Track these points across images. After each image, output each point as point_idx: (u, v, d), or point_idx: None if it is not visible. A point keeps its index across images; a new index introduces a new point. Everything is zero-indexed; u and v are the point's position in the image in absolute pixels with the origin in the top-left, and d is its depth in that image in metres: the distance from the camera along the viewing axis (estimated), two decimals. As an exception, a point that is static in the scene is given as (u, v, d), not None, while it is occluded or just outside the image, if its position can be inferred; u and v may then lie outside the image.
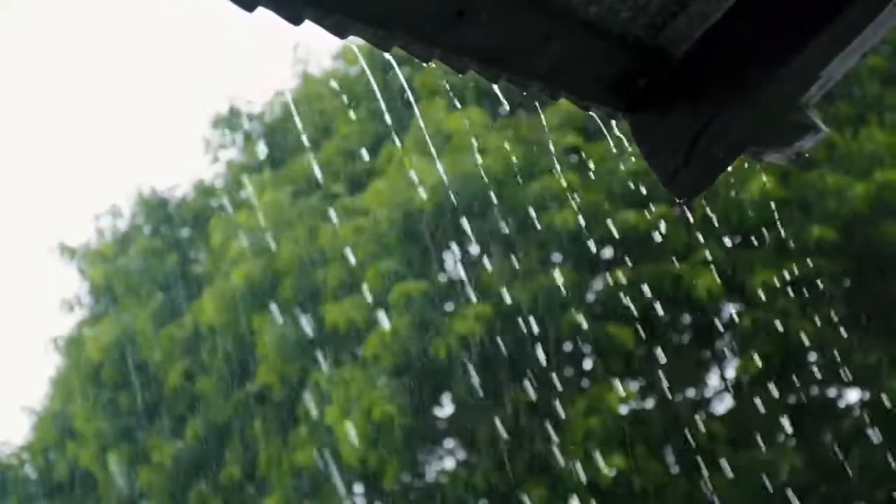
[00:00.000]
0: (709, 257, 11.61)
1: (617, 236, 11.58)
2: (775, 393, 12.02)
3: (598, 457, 11.21)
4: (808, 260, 11.26)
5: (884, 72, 12.56)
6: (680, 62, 2.22)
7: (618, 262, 11.93)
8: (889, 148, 12.00)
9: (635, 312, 11.62)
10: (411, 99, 13.45)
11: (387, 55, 1.92)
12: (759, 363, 11.68)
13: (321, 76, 15.31)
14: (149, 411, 14.35)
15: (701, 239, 11.72)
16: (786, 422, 12.38)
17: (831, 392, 12.66)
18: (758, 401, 11.97)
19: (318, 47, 15.73)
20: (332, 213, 12.75)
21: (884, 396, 11.73)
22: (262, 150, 15.41)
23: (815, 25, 2.11)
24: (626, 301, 11.58)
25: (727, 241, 11.88)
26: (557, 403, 11.68)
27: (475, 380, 11.79)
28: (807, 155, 2.38)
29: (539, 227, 11.79)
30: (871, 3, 2.12)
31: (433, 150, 12.39)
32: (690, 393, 12.76)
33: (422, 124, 12.69)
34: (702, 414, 12.52)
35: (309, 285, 12.59)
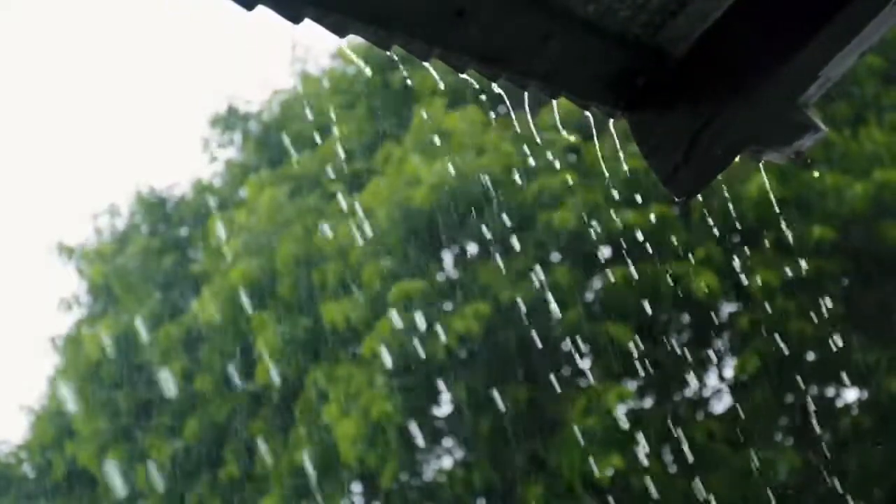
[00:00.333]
0: (708, 256, 11.62)
1: (616, 236, 11.60)
2: (774, 392, 12.03)
3: (596, 456, 11.22)
4: (807, 259, 11.27)
5: (882, 71, 12.57)
6: (679, 61, 2.22)
7: (616, 262, 11.94)
8: (888, 147, 12.01)
9: (634, 312, 11.63)
10: (411, 98, 13.46)
11: (387, 54, 1.92)
12: (758, 362, 11.69)
13: (320, 75, 15.32)
14: (147, 410, 14.34)
15: (700, 238, 11.73)
16: (784, 421, 12.39)
17: (830, 391, 12.67)
18: (756, 400, 11.99)
19: (317, 46, 15.73)
20: (331, 213, 12.76)
21: (882, 396, 11.75)
22: (260, 149, 15.41)
23: (814, 25, 2.11)
24: (625, 300, 11.59)
25: (726, 241, 11.88)
26: (556, 403, 11.68)
27: (473, 379, 11.80)
28: (806, 154, 2.38)
29: (538, 226, 11.80)
30: (870, 2, 2.12)
31: (432, 150, 12.39)
32: (689, 392, 12.77)
33: (422, 123, 12.69)
34: (700, 413, 12.53)
35: (307, 284, 12.59)
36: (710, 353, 12.84)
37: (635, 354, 11.64)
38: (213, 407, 13.60)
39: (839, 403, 12.65)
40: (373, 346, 11.71)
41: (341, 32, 1.78)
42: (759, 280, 11.38)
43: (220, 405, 13.54)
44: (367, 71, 14.19)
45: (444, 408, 12.89)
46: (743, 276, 11.52)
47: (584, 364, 12.50)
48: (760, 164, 2.36)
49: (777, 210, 11.44)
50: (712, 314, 12.51)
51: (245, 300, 13.03)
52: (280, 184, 13.74)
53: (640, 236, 11.40)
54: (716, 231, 11.72)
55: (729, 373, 12.66)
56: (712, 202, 11.39)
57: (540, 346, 11.42)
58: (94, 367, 14.72)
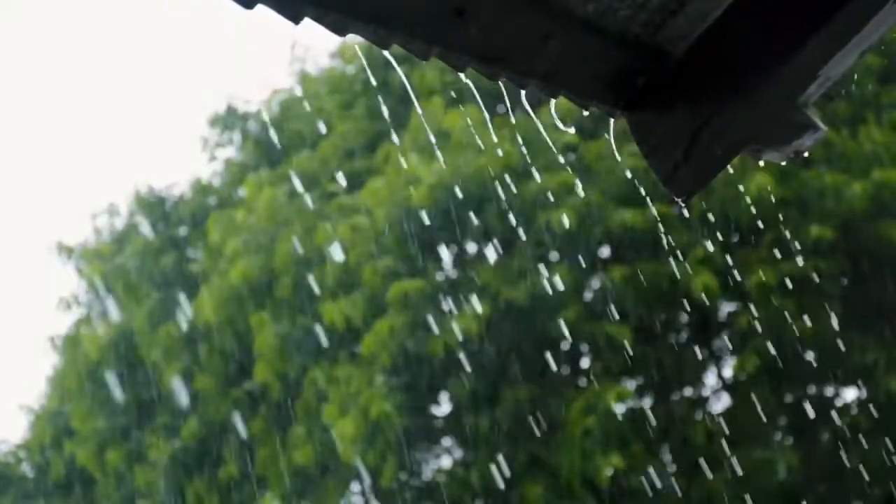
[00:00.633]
0: (707, 256, 11.62)
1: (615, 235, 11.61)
2: (773, 392, 12.03)
3: (595, 456, 11.23)
4: (806, 259, 11.27)
5: (882, 71, 12.57)
6: (679, 61, 2.22)
7: (615, 261, 11.95)
8: (887, 147, 12.01)
9: (633, 311, 11.64)
10: (410, 97, 13.47)
11: (385, 53, 1.93)
12: (757, 362, 11.70)
13: (318, 75, 15.32)
14: (146, 410, 14.35)
15: (699, 238, 11.73)
16: (783, 420, 12.40)
17: (828, 391, 12.68)
18: (755, 400, 11.99)
19: (316, 46, 15.74)
20: (330, 212, 12.77)
21: (881, 395, 11.75)
22: (259, 148, 15.42)
23: (814, 24, 2.11)
24: (624, 300, 11.60)
25: (725, 240, 11.89)
26: (555, 402, 11.69)
27: (472, 378, 11.81)
28: (805, 154, 2.38)
29: (537, 225, 11.80)
30: (870, 1, 2.12)
31: (431, 149, 12.40)
32: (688, 392, 12.78)
33: (421, 122, 12.69)
34: (699, 413, 12.53)
35: (306, 284, 12.60)
36: (709, 352, 12.85)
37: (635, 354, 11.65)
38: (212, 406, 13.60)
39: (838, 403, 12.65)
40: (372, 346, 11.72)
41: (341, 32, 1.78)
42: (757, 280, 11.38)
43: (218, 404, 13.55)
44: (367, 71, 14.20)
45: (443, 407, 12.90)
46: (742, 276, 11.53)
47: (584, 363, 12.51)
48: (760, 164, 2.36)
49: (776, 209, 11.44)
50: (711, 314, 12.52)
51: (244, 299, 13.04)
52: (279, 183, 13.75)
53: (639, 236, 11.41)
54: (715, 231, 11.73)
55: (728, 372, 12.67)
56: (712, 202, 11.39)
57: (539, 345, 11.43)
58: (93, 367, 14.73)
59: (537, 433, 11.69)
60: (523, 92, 2.13)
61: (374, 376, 11.80)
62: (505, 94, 2.31)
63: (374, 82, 14.21)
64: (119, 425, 14.49)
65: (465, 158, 11.95)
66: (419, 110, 12.98)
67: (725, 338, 12.76)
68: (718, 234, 11.77)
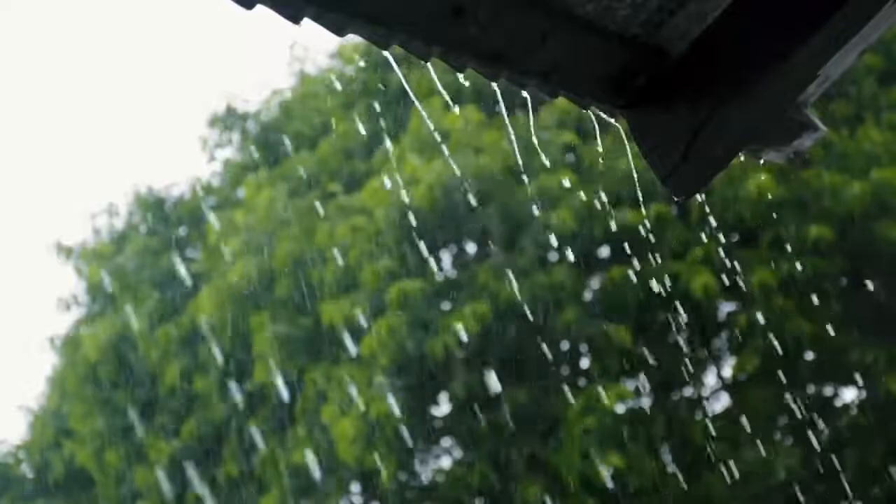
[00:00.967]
0: (706, 256, 11.62)
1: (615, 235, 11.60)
2: (772, 392, 12.03)
3: (594, 456, 11.23)
4: (805, 259, 11.27)
5: (881, 71, 12.57)
6: (678, 60, 2.22)
7: (615, 261, 11.95)
8: (886, 147, 12.01)
9: (632, 311, 11.64)
10: (409, 97, 13.46)
11: (385, 53, 1.93)
12: (757, 362, 11.70)
13: (318, 75, 15.32)
14: (145, 410, 14.34)
15: (698, 237, 11.73)
16: (783, 420, 12.39)
17: (828, 391, 12.68)
18: (755, 399, 11.99)
19: (315, 46, 15.73)
20: (329, 212, 12.76)
21: (880, 395, 11.75)
22: (258, 149, 15.41)
23: (812, 24, 2.11)
24: (624, 300, 11.60)
25: (724, 240, 11.89)
26: (554, 402, 11.69)
27: (472, 378, 11.80)
28: (805, 154, 2.38)
29: (536, 225, 11.81)
30: (869, 1, 2.12)
31: (430, 149, 12.40)
32: (687, 392, 12.78)
33: (421, 122, 12.69)
34: (699, 413, 12.53)
35: (306, 284, 12.60)
36: (709, 352, 12.85)
37: (634, 354, 11.65)
38: (211, 407, 13.60)
39: (837, 402, 12.65)
40: (371, 346, 11.72)
41: (340, 31, 1.78)
42: (757, 279, 11.38)
43: (218, 405, 13.54)
44: (365, 70, 14.20)
45: (442, 407, 12.90)
46: (741, 276, 11.53)
47: (583, 363, 12.51)
48: (759, 163, 2.36)
49: (775, 209, 11.44)
50: (711, 314, 12.51)
51: (243, 300, 13.04)
52: (278, 183, 13.74)
53: (638, 236, 11.40)
54: (714, 230, 11.73)
55: (727, 372, 12.67)
56: (711, 201, 11.39)
57: (538, 345, 11.43)
58: (92, 368, 14.72)
59: (537, 433, 11.69)
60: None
61: (374, 376, 11.80)
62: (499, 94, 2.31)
63: (372, 82, 14.20)
64: (118, 426, 14.48)
65: (465, 158, 11.95)
66: (421, 111, 12.97)
67: (725, 337, 12.77)
68: (718, 234, 11.77)
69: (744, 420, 11.91)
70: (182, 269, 14.79)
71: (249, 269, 12.98)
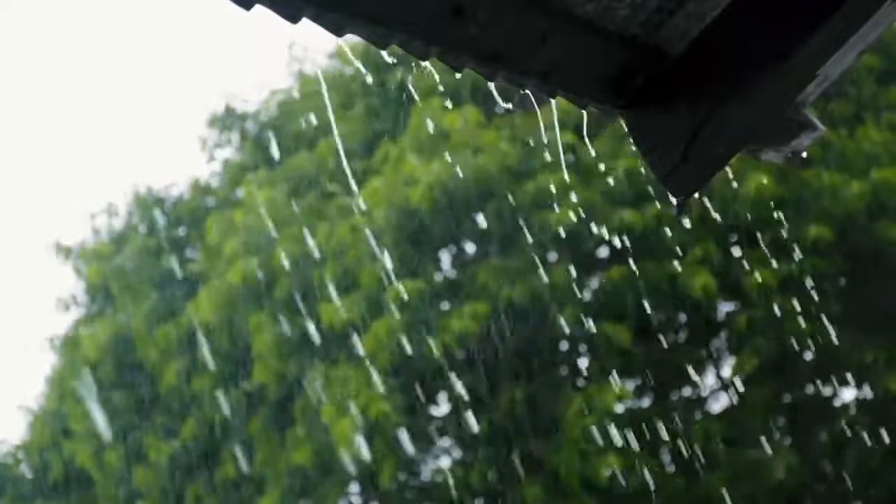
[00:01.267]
0: (705, 256, 11.62)
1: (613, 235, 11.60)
2: (771, 392, 12.03)
3: (593, 456, 11.22)
4: (805, 259, 11.27)
5: (880, 71, 12.57)
6: (677, 60, 2.22)
7: (614, 261, 11.95)
8: (885, 147, 12.01)
9: (631, 311, 11.64)
10: (408, 97, 13.46)
11: (383, 53, 1.92)
12: (756, 362, 11.69)
13: (317, 75, 15.31)
14: (145, 410, 14.34)
15: (697, 237, 11.73)
16: (782, 420, 12.40)
17: (827, 391, 12.67)
18: (754, 399, 11.99)
19: (314, 46, 15.73)
20: (329, 213, 12.76)
21: (879, 395, 11.75)
22: (258, 149, 15.41)
23: (812, 23, 2.11)
24: (623, 300, 11.60)
25: (723, 240, 11.88)
26: (553, 402, 11.69)
27: (471, 378, 11.80)
28: (804, 153, 2.38)
29: (535, 225, 11.80)
30: (868, 0, 2.12)
31: (430, 149, 12.39)
32: (687, 392, 12.78)
33: (420, 122, 12.69)
34: (698, 413, 12.53)
35: (305, 284, 12.59)
36: (708, 352, 12.85)
37: (633, 354, 11.65)
38: (210, 407, 13.59)
39: (836, 402, 12.65)
40: (370, 346, 11.72)
41: (339, 32, 1.78)
42: (756, 279, 11.38)
43: (217, 405, 13.53)
44: (364, 70, 14.19)
45: (441, 407, 12.90)
46: (740, 276, 11.53)
47: (582, 363, 12.51)
48: (758, 163, 2.36)
49: (774, 209, 11.44)
50: (710, 314, 12.51)
51: (242, 300, 13.04)
52: (278, 183, 13.74)
53: (637, 236, 11.40)
54: (713, 230, 11.73)
55: (727, 372, 12.66)
56: (709, 201, 11.39)
57: (537, 345, 11.43)
58: (91, 367, 14.72)
59: (535, 433, 11.68)
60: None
61: (373, 377, 11.80)
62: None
63: (372, 82, 14.20)
64: (118, 426, 14.48)
65: (464, 158, 11.95)
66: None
67: (724, 337, 12.77)
68: (717, 234, 11.77)
69: (743, 420, 11.92)
70: (181, 270, 14.79)
71: (248, 270, 12.97)
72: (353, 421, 11.66)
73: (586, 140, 10.56)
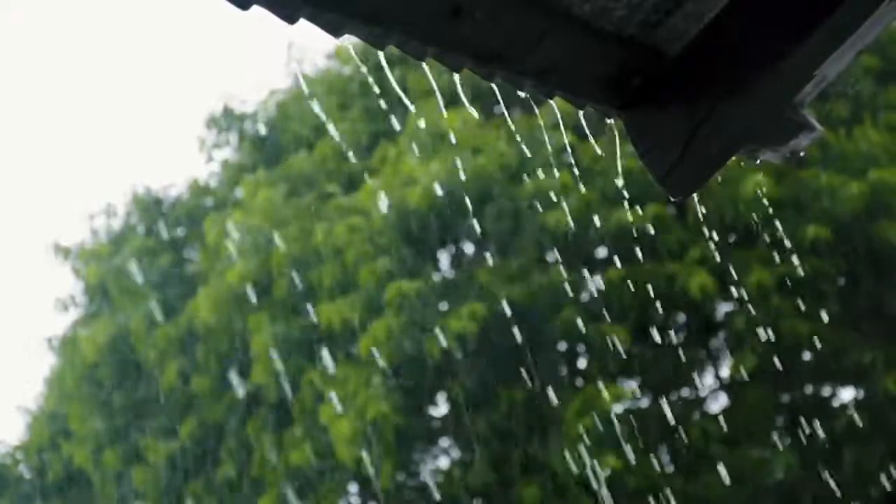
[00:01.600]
0: (703, 256, 11.62)
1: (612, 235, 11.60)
2: (770, 392, 12.03)
3: (592, 456, 11.22)
4: (803, 259, 11.27)
5: (878, 71, 12.57)
6: (674, 60, 2.22)
7: (612, 261, 11.94)
8: (884, 147, 12.01)
9: (630, 311, 11.63)
10: (406, 98, 13.46)
11: (381, 54, 1.92)
12: (754, 362, 11.69)
13: (315, 75, 15.31)
14: (144, 411, 14.33)
15: (695, 238, 11.73)
16: (780, 421, 12.39)
17: (826, 391, 12.67)
18: (752, 399, 11.99)
19: (313, 46, 15.73)
20: (327, 213, 12.76)
21: (878, 395, 11.74)
22: (256, 149, 15.41)
23: (810, 23, 2.11)
24: (621, 300, 11.59)
25: (721, 240, 11.88)
26: (552, 403, 11.68)
27: (470, 379, 11.80)
28: (802, 154, 2.38)
29: (534, 225, 11.80)
30: (866, 1, 2.12)
31: (428, 150, 12.39)
32: (685, 392, 12.77)
33: (419, 122, 12.69)
34: (696, 413, 12.53)
35: (304, 285, 12.59)
36: (707, 352, 12.85)
37: (632, 354, 11.65)
38: (209, 407, 13.59)
39: (835, 403, 12.65)
40: (369, 347, 11.72)
41: (336, 32, 1.78)
42: (755, 280, 11.38)
43: (215, 406, 13.53)
44: (364, 70, 14.18)
45: (440, 408, 12.89)
46: (738, 276, 11.52)
47: (581, 364, 12.51)
48: (756, 164, 2.36)
49: (772, 210, 11.44)
50: (708, 314, 12.51)
51: (241, 300, 13.03)
52: (276, 184, 13.73)
53: (636, 236, 11.40)
54: (712, 231, 11.73)
55: (725, 372, 12.66)
56: (708, 202, 11.39)
57: (537, 346, 11.42)
58: (90, 368, 14.71)
59: (534, 434, 11.68)
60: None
61: (372, 377, 11.80)
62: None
63: (371, 83, 14.19)
64: (116, 426, 14.48)
65: (463, 158, 11.95)
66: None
67: (722, 337, 12.76)
68: (715, 235, 11.77)
69: (741, 420, 11.92)
70: (180, 270, 14.79)
71: (247, 270, 12.97)
72: (351, 421, 11.65)
73: (591, 139, 10.55)
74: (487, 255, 12.20)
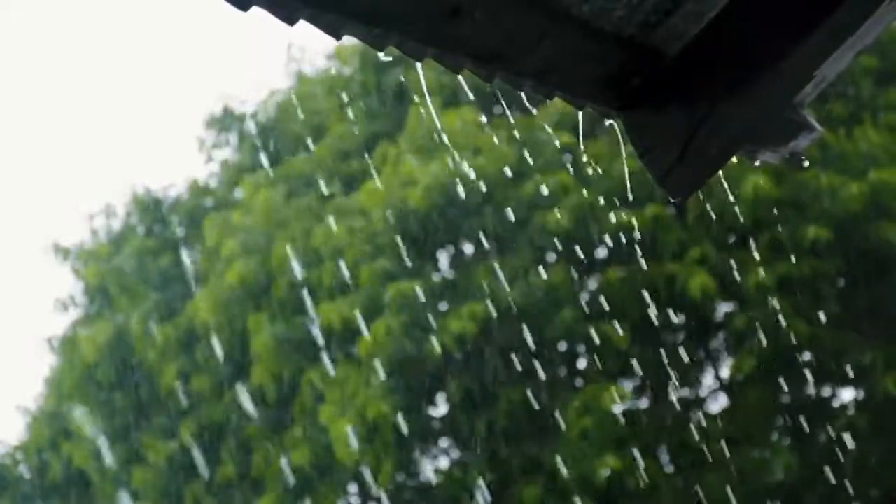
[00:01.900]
0: (703, 256, 11.62)
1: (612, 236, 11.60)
2: (769, 392, 12.03)
3: (592, 456, 11.22)
4: (803, 259, 11.27)
5: (878, 71, 12.57)
6: (674, 61, 2.22)
7: (612, 262, 11.94)
8: (883, 148, 12.01)
9: (629, 312, 11.63)
10: (407, 98, 13.46)
11: (380, 54, 1.92)
12: (754, 362, 11.69)
13: (315, 76, 15.31)
14: (143, 411, 14.33)
15: (695, 238, 11.73)
16: (780, 421, 12.39)
17: (825, 391, 12.67)
18: (752, 400, 11.99)
19: (312, 47, 15.72)
20: (327, 213, 12.75)
21: (878, 395, 11.75)
22: (256, 149, 15.39)
23: (809, 24, 2.11)
24: (621, 300, 11.59)
25: (721, 241, 11.88)
26: (552, 403, 11.68)
27: (469, 379, 11.80)
28: (801, 154, 2.38)
29: (533, 226, 11.80)
30: (866, 1, 2.12)
31: (427, 150, 12.39)
32: (685, 392, 12.77)
33: (417, 123, 12.69)
34: (696, 413, 12.53)
35: (303, 285, 12.59)
36: (706, 352, 12.85)
37: (632, 354, 11.65)
38: (209, 407, 13.59)
39: (835, 403, 12.65)
40: (369, 347, 11.72)
41: (336, 33, 1.78)
42: (754, 280, 11.38)
43: (215, 406, 13.53)
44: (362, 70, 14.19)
45: (440, 408, 12.89)
46: (738, 276, 11.52)
47: (581, 364, 12.50)
48: (756, 164, 2.36)
49: (772, 210, 11.44)
50: (708, 314, 12.51)
51: (241, 301, 13.03)
52: (276, 184, 13.73)
53: (635, 236, 11.40)
54: (711, 231, 11.72)
55: (725, 372, 12.66)
56: (708, 202, 11.39)
57: (536, 346, 11.42)
58: (90, 368, 14.71)
59: (534, 434, 11.68)
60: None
61: (371, 377, 11.80)
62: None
63: (370, 83, 14.18)
64: (116, 426, 14.47)
65: (463, 159, 11.95)
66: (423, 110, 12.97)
67: (722, 338, 12.76)
68: (715, 235, 11.77)
69: (741, 420, 11.92)
70: (179, 270, 14.78)
71: (247, 270, 12.97)
72: (351, 421, 11.65)
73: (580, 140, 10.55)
74: (486, 255, 12.20)
